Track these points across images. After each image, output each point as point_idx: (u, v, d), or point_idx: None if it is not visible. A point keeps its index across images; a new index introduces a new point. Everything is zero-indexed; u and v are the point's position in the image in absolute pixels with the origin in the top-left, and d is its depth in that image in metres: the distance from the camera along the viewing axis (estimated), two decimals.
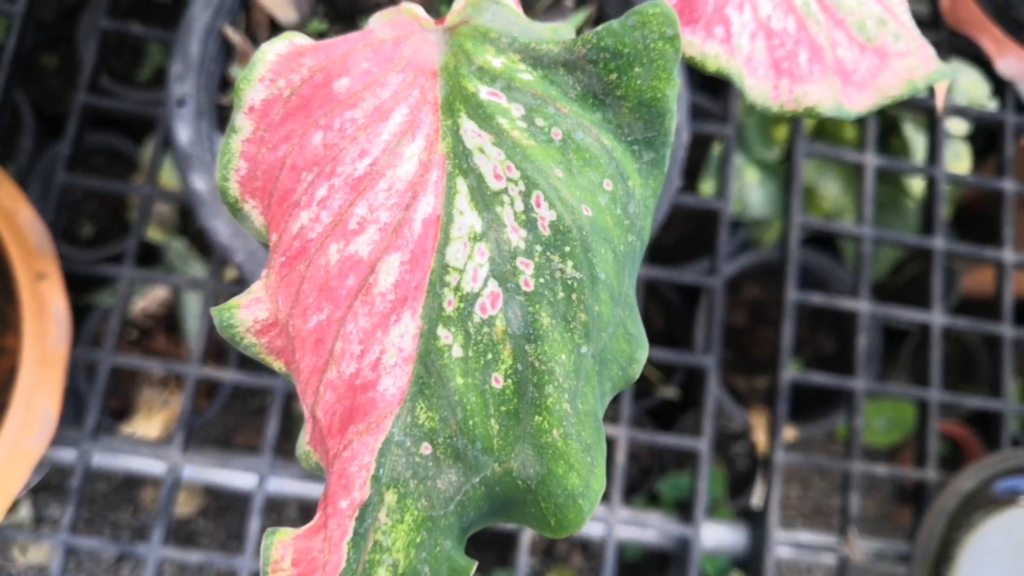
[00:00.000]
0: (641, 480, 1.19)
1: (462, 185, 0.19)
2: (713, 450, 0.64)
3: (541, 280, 0.18)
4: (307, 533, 0.18)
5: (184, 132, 0.44)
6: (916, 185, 1.05)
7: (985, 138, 1.01)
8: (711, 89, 1.17)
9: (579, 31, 0.20)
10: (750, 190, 1.14)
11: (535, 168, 0.18)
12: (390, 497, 0.18)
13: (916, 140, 1.08)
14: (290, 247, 0.19)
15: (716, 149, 1.02)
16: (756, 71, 0.26)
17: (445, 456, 0.18)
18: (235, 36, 0.48)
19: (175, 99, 0.45)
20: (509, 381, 0.18)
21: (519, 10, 0.21)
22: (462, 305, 0.18)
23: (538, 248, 0.18)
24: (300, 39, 0.20)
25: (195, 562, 0.60)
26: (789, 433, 0.73)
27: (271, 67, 0.20)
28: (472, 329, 0.18)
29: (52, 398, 0.57)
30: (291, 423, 1.10)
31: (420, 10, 0.21)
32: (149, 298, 1.06)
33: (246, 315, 0.19)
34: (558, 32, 0.20)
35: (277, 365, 0.20)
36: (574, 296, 0.18)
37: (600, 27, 0.19)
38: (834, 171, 1.14)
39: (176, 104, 0.45)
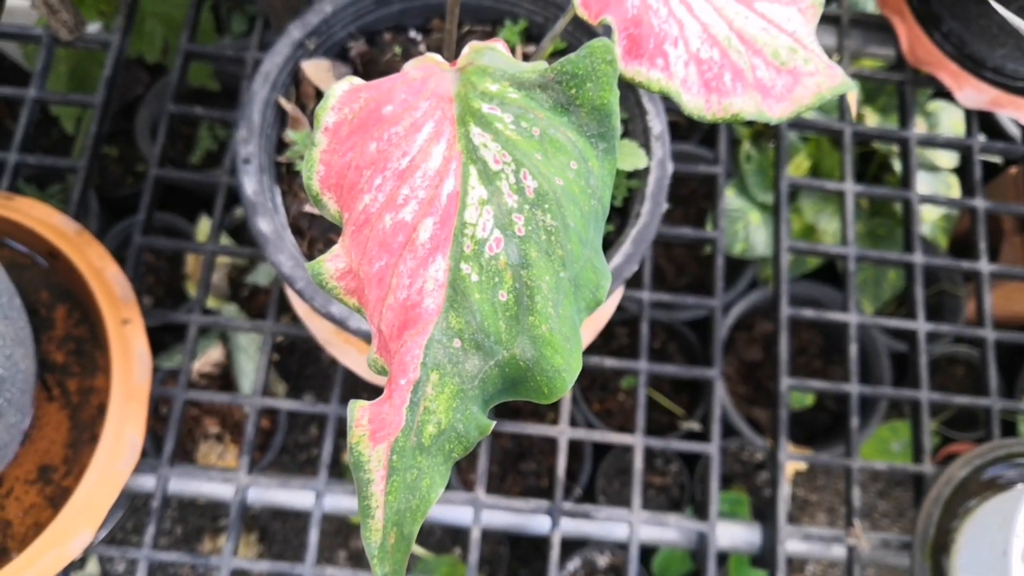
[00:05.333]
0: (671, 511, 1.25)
1: (473, 170, 0.27)
2: (722, 453, 0.70)
3: (529, 228, 0.27)
4: (378, 403, 0.26)
5: (250, 185, 0.54)
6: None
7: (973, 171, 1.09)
8: (708, 143, 1.28)
9: (549, 61, 0.29)
10: (754, 231, 1.20)
11: (522, 154, 0.27)
12: (434, 376, 0.26)
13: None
14: (357, 219, 0.27)
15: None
16: (691, 89, 0.34)
17: (470, 347, 0.26)
18: (288, 106, 0.57)
19: (242, 158, 0.54)
20: (510, 295, 0.26)
21: (508, 53, 0.30)
22: (476, 247, 0.27)
23: (526, 207, 0.27)
24: (357, 80, 0.29)
25: (263, 571, 0.67)
26: (804, 454, 0.79)
27: (339, 99, 0.29)
28: (484, 262, 0.26)
29: (137, 428, 0.66)
30: (339, 450, 1.17)
31: (439, 57, 0.30)
32: (204, 360, 1.15)
33: (330, 266, 0.28)
34: (535, 66, 0.29)
35: (352, 302, 0.28)
36: (553, 238, 0.27)
37: (562, 59, 0.28)
38: (831, 210, 1.21)
39: (243, 162, 0.54)
